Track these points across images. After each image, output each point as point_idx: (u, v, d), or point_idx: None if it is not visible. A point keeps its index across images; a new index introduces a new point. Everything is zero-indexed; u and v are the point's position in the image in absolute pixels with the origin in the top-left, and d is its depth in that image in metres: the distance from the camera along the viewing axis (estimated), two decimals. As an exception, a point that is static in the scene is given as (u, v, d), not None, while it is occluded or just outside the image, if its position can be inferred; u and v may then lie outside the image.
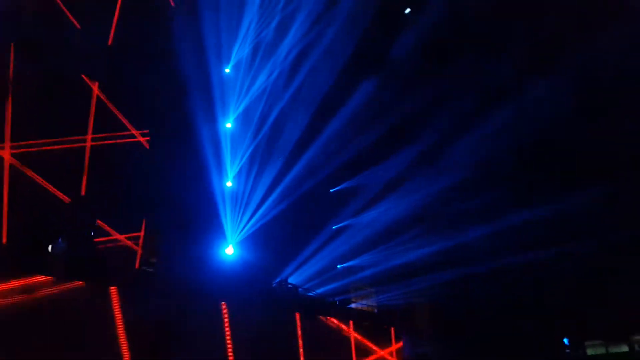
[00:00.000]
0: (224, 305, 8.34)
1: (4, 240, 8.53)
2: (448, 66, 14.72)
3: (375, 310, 13.61)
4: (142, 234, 10.72)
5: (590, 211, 13.30)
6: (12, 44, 9.30)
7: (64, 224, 9.37)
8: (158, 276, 8.65)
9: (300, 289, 11.24)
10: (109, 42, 11.02)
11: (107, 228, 10.08)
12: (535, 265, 13.84)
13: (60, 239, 8.79)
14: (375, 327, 11.11)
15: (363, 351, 10.34)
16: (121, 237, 10.29)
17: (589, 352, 14.96)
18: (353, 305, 13.43)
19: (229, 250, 12.90)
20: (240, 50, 14.24)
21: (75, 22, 10.65)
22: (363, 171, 15.32)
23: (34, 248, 8.23)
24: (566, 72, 13.03)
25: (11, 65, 9.21)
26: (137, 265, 9.95)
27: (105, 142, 10.66)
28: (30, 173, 9.26)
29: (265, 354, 8.70)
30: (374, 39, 14.90)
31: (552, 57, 13.47)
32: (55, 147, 9.84)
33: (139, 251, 10.30)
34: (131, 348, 7.09)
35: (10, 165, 9.08)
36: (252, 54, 14.29)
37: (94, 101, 10.60)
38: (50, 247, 8.69)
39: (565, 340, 15.09)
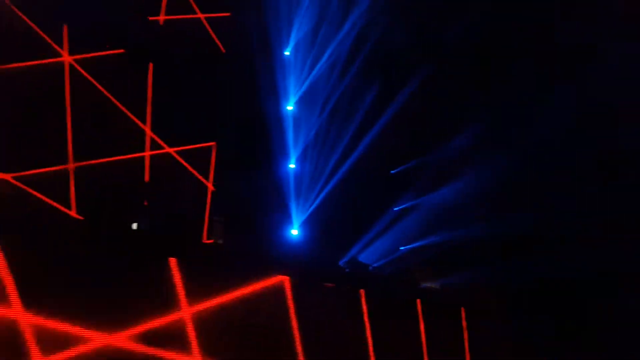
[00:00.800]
0: (286, 280, 7.85)
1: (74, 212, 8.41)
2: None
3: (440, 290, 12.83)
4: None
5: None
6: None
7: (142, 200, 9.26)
8: (223, 250, 8.31)
9: (370, 267, 10.71)
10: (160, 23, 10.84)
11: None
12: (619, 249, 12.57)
13: (143, 216, 8.66)
14: (443, 307, 10.35)
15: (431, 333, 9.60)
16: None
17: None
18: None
19: (294, 232, 12.62)
20: (299, 32, 13.77)
21: None
22: (426, 151, 14.52)
23: (112, 223, 8.09)
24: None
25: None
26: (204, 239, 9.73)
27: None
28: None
29: (329, 330, 8.19)
30: (438, 17, 13.98)
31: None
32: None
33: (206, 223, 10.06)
34: (195, 320, 6.74)
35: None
36: (312, 35, 13.78)
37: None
38: (135, 225, 8.55)
39: None
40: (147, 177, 9.75)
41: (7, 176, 8.66)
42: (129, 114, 9.75)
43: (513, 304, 12.58)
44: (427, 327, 9.46)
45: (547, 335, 12.00)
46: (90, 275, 6.21)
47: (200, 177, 10.44)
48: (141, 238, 8.03)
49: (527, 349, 11.46)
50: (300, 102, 13.68)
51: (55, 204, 8.74)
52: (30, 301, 5.64)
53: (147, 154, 9.90)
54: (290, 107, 13.67)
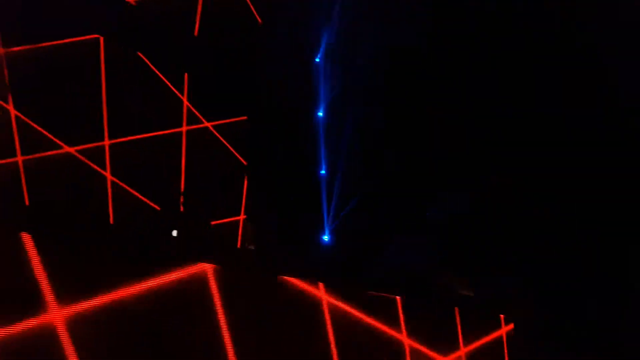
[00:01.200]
0: (321, 285, 7.60)
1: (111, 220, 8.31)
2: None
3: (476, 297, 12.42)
4: None
5: None
6: None
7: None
8: (255, 256, 8.14)
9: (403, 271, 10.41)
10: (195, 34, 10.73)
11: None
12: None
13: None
14: (481, 315, 9.97)
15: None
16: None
17: None
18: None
19: (326, 237, 12.45)
20: (329, 39, 13.62)
21: None
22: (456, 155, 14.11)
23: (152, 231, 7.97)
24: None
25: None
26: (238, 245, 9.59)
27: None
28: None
29: (365, 337, 7.92)
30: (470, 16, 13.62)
31: None
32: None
33: (240, 230, 9.92)
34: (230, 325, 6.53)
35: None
36: (343, 41, 13.60)
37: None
38: (174, 232, 8.41)
39: None
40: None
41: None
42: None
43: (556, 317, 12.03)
44: (465, 335, 9.13)
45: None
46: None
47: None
48: (176, 243, 7.88)
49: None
50: (331, 107, 13.52)
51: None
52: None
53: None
54: (320, 114, 13.53)
